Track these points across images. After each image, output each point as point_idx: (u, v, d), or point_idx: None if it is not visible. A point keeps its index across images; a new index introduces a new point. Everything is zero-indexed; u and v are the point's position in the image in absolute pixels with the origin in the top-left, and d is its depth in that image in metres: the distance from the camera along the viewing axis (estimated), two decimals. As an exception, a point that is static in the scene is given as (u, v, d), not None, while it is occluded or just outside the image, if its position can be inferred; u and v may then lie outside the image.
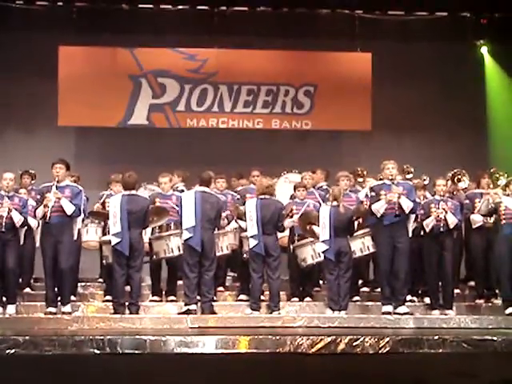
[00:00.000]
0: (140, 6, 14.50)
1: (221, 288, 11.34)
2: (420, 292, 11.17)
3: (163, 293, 10.92)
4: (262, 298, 10.47)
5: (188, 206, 10.15)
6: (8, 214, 10.01)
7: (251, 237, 10.25)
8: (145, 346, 7.77)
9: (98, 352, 7.68)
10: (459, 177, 11.66)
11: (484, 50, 15.54)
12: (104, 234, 10.90)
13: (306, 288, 11.11)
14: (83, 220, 10.70)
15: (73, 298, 10.55)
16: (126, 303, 10.05)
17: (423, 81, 15.09)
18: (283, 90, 15.07)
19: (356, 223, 10.72)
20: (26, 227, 10.33)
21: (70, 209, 10.00)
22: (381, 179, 10.91)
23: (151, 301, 10.78)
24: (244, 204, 10.66)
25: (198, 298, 10.14)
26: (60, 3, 14.32)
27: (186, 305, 10.07)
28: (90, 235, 11.17)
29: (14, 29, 14.22)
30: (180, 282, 10.69)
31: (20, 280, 10.92)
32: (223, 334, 8.24)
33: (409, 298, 10.76)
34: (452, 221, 10.49)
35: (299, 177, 12.05)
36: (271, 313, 10.18)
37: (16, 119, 14.85)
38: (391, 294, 10.30)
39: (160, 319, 9.75)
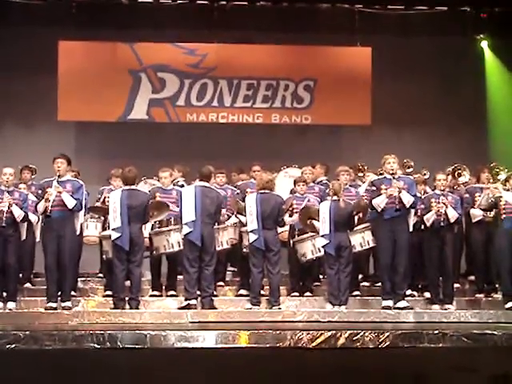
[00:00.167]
0: (140, 0, 14.48)
1: (221, 283, 11.35)
2: (420, 286, 11.18)
3: (163, 288, 10.93)
4: (262, 292, 10.48)
5: (188, 201, 10.15)
6: (8, 208, 10.02)
7: (251, 231, 10.25)
8: (145, 340, 7.76)
9: (98, 347, 7.67)
10: (459, 171, 11.67)
11: (484, 44, 15.52)
12: (104, 228, 10.89)
13: (306, 283, 11.11)
14: (85, 215, 10.71)
15: (73, 293, 10.54)
16: (126, 298, 10.06)
17: (423, 75, 15.08)
18: (283, 84, 15.05)
19: (356, 218, 10.73)
20: (26, 222, 10.34)
21: (71, 203, 10.02)
22: (381, 174, 10.92)
23: (151, 295, 10.78)
24: (244, 199, 10.66)
25: (198, 292, 10.15)
26: (60, -2, 14.31)
27: (186, 299, 10.08)
28: (90, 230, 11.16)
29: (13, 24, 14.20)
30: (180, 277, 10.70)
31: (20, 275, 10.91)
32: (223, 328, 8.24)
33: (409, 292, 10.78)
34: (452, 215, 10.49)
35: (299, 171, 12.04)
36: (271, 307, 10.19)
37: (16, 114, 14.83)
38: (391, 289, 10.31)
39: (160, 314, 9.77)
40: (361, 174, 12.08)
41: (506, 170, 11.21)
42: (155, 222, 10.71)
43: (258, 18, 14.62)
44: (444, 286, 10.61)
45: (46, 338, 7.66)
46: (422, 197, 10.87)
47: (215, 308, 10.10)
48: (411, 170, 11.83)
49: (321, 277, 11.44)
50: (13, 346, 7.57)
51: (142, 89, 14.89)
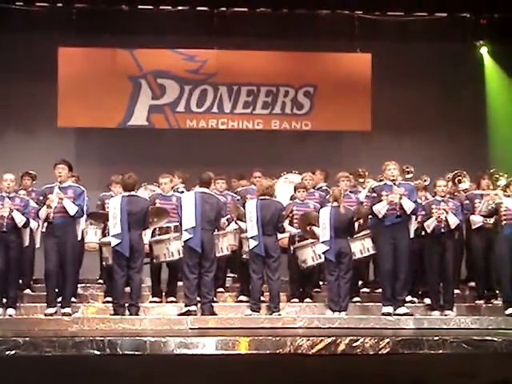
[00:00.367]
0: (139, 6, 14.48)
1: (221, 289, 11.34)
2: (420, 293, 11.17)
3: (163, 294, 10.93)
4: (262, 299, 10.47)
5: (188, 207, 10.15)
6: (9, 214, 10.01)
7: (251, 238, 10.25)
8: (145, 347, 7.76)
9: (97, 353, 7.66)
10: (460, 178, 11.66)
11: (484, 50, 15.53)
12: (104, 235, 10.89)
13: (306, 289, 11.11)
14: (86, 221, 10.72)
15: (73, 299, 10.54)
16: (126, 304, 10.05)
17: (423, 81, 15.09)
18: (283, 90, 15.06)
19: (356, 224, 10.72)
20: (28, 228, 10.34)
21: (72, 209, 10.03)
22: (381, 180, 10.92)
23: (151, 302, 10.78)
24: (244, 205, 10.65)
25: (198, 299, 10.15)
26: (60, 4, 14.29)
27: (186, 306, 10.07)
28: (90, 237, 11.16)
29: (13, 30, 14.21)
30: (180, 283, 10.70)
31: (20, 281, 10.90)
32: (223, 335, 8.23)
33: (409, 298, 10.77)
34: (453, 221, 10.49)
35: (299, 177, 12.05)
36: (271, 314, 10.18)
37: (16, 120, 14.84)
38: (391, 295, 10.30)
39: (160, 320, 9.76)
40: (361, 180, 12.07)
41: (506, 176, 11.21)
42: (155, 229, 10.71)
43: (257, 24, 14.64)
44: (444, 292, 10.60)
45: (45, 345, 7.66)
46: (423, 203, 10.87)
47: (215, 314, 10.09)
48: (411, 175, 11.83)
49: (321, 283, 11.44)
50: (12, 352, 7.56)
51: (142, 95, 14.90)
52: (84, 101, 14.48)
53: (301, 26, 14.69)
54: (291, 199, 11.41)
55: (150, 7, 14.53)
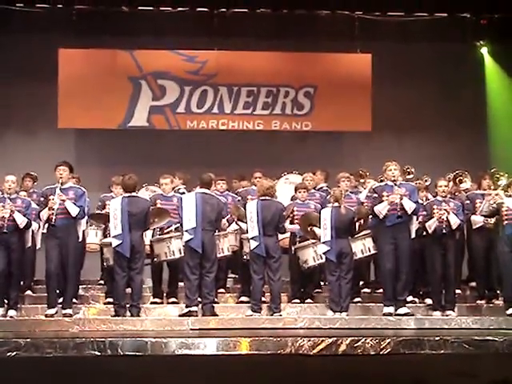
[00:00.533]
0: (140, 7, 14.48)
1: (222, 290, 11.34)
2: (421, 293, 11.16)
3: (164, 295, 10.93)
4: (263, 299, 10.47)
5: (189, 208, 10.16)
6: (10, 215, 10.02)
7: (252, 238, 10.26)
8: (146, 348, 7.76)
9: (99, 354, 7.67)
10: (461, 178, 11.64)
11: (484, 50, 15.54)
12: (105, 236, 10.90)
13: (306, 289, 11.11)
14: (87, 222, 10.73)
15: (74, 300, 10.53)
16: (127, 305, 10.05)
17: (423, 81, 15.10)
18: (283, 91, 15.06)
19: (357, 224, 10.72)
20: (30, 229, 10.34)
21: (74, 211, 10.04)
22: (381, 180, 10.92)
23: (152, 303, 10.78)
24: (245, 206, 10.65)
25: (199, 299, 10.15)
26: (60, 6, 14.28)
27: (186, 307, 10.07)
28: (90, 238, 11.18)
29: (14, 31, 14.22)
30: (181, 284, 10.70)
31: (21, 282, 10.90)
32: (224, 335, 8.23)
33: (410, 298, 10.77)
34: (454, 222, 10.49)
35: (299, 178, 12.05)
36: (272, 314, 10.18)
37: (16, 122, 14.85)
38: (392, 296, 10.30)
39: (161, 321, 9.76)
40: (362, 181, 12.07)
41: (507, 176, 11.21)
42: (156, 229, 10.71)
43: (258, 24, 14.64)
44: (446, 292, 10.60)
45: (46, 346, 7.66)
46: (424, 203, 10.87)
47: (216, 315, 10.10)
48: (412, 176, 11.83)
49: (322, 283, 11.43)
50: (14, 353, 7.57)
51: (142, 96, 14.90)
52: (84, 102, 14.48)
53: (301, 27, 14.69)
54: (292, 199, 11.41)
55: (150, 8, 14.53)
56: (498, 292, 11.16)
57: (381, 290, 10.78)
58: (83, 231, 10.55)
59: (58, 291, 10.15)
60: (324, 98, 14.99)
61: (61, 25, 14.20)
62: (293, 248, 10.97)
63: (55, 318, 9.89)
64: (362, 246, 10.73)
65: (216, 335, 8.32)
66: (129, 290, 10.18)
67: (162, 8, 14.53)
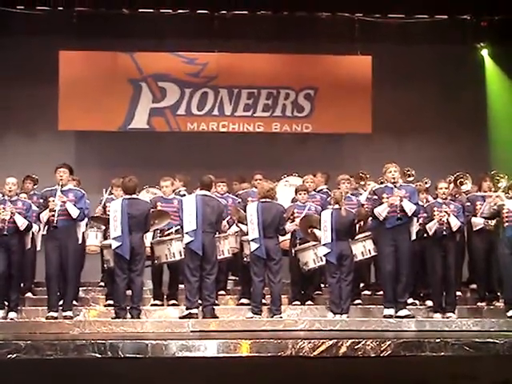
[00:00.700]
0: (140, 10, 14.47)
1: (222, 292, 11.34)
2: (422, 295, 11.15)
3: (165, 297, 10.93)
4: (264, 301, 10.46)
5: (189, 210, 10.15)
6: (11, 217, 10.02)
7: (252, 240, 10.26)
8: (146, 350, 7.77)
9: (99, 356, 7.67)
10: (462, 180, 11.63)
11: (484, 52, 15.53)
12: (105, 238, 10.90)
13: (307, 291, 11.11)
14: (87, 224, 10.73)
15: (74, 302, 10.53)
16: (128, 307, 10.05)
17: (423, 83, 15.10)
18: (283, 93, 15.06)
19: (357, 226, 10.72)
20: (30, 231, 10.34)
21: (75, 212, 10.05)
22: (382, 182, 10.92)
23: (153, 305, 10.78)
24: (246, 208, 10.65)
25: (200, 301, 10.14)
26: (60, 8, 14.26)
27: (187, 309, 10.07)
28: (90, 240, 11.17)
29: (14, 33, 14.22)
30: (181, 286, 10.69)
31: (21, 285, 10.90)
32: (225, 337, 8.24)
33: (410, 300, 10.76)
34: (455, 224, 10.48)
35: (300, 180, 12.05)
36: (272, 316, 10.18)
37: (16, 123, 14.84)
38: (393, 298, 10.30)
39: (161, 323, 9.77)
40: (362, 183, 12.06)
41: (507, 178, 11.21)
42: (156, 231, 10.71)
43: (258, 26, 14.64)
44: (446, 294, 10.58)
45: (47, 348, 7.67)
46: (424, 205, 10.86)
47: (216, 317, 10.09)
48: (412, 178, 11.82)
49: (322, 285, 11.42)
50: (14, 355, 7.58)
51: (143, 98, 14.89)
52: (84, 104, 14.47)
53: (301, 29, 14.69)
54: (292, 201, 11.40)
55: (151, 10, 14.52)
56: (499, 294, 11.15)
57: (381, 292, 10.76)
58: (83, 233, 10.55)
59: (58, 293, 10.15)
60: (324, 100, 14.99)
61: (61, 27, 14.20)
62: (293, 250, 10.98)
63: (55, 320, 9.87)
64: (363, 248, 10.72)
65: (216, 337, 8.33)
66: (129, 292, 10.18)
67: (162, 10, 14.52)
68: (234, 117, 14.99)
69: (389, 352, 7.85)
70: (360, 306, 10.93)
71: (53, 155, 13.12)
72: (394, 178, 10.38)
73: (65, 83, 14.47)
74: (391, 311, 10.25)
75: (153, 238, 10.68)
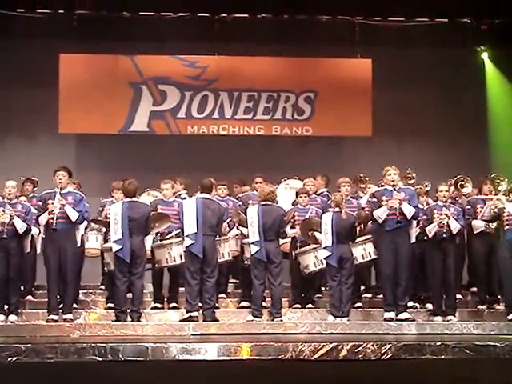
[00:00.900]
0: (141, 13, 14.49)
1: (222, 295, 11.33)
2: (422, 298, 11.15)
3: (165, 300, 10.92)
4: (264, 304, 10.46)
5: (189, 213, 10.15)
6: (10, 220, 10.02)
7: (253, 243, 10.26)
8: (147, 353, 7.75)
9: (99, 359, 7.66)
10: (462, 183, 11.63)
11: (484, 55, 15.55)
12: (106, 241, 10.89)
13: (307, 294, 11.10)
14: (86, 227, 10.73)
15: (75, 305, 10.53)
16: (128, 310, 10.04)
17: (424, 87, 15.11)
18: (284, 96, 15.07)
19: (357, 229, 10.71)
20: (30, 234, 10.33)
21: (74, 215, 10.05)
22: (381, 185, 10.91)
23: (153, 308, 10.78)
24: (246, 211, 10.65)
25: (200, 304, 10.14)
26: (61, 11, 14.30)
27: (187, 312, 10.07)
28: (91, 243, 11.15)
29: (15, 36, 14.24)
30: (182, 289, 10.69)
31: (22, 288, 10.89)
32: (225, 340, 8.23)
33: (411, 304, 10.75)
34: (455, 227, 10.48)
35: (300, 183, 12.04)
36: (273, 319, 10.17)
37: (17, 126, 14.85)
38: (393, 301, 10.29)
39: (162, 326, 9.75)
40: (362, 186, 12.05)
41: (507, 181, 11.22)
42: (157, 235, 10.71)
43: (258, 30, 14.66)
44: (446, 297, 10.58)
45: (47, 351, 7.66)
46: (424, 208, 10.86)
47: (217, 320, 10.08)
48: (413, 181, 11.81)
49: (323, 288, 11.42)
50: (14, 358, 7.56)
51: (143, 101, 14.91)
52: (85, 107, 14.49)
53: (301, 32, 14.71)
54: (293, 204, 11.41)
55: (151, 13, 14.54)
56: (499, 297, 11.15)
57: (382, 295, 10.76)
58: (82, 236, 10.54)
59: (58, 296, 10.15)
60: (324, 102, 15.01)
61: (62, 30, 14.22)
62: (293, 253, 10.98)
63: (56, 323, 9.87)
64: (363, 251, 10.71)
65: (217, 340, 8.32)
66: (129, 295, 10.17)
67: (162, 13, 14.55)
68: (235, 120, 15.00)
69: (389, 355, 7.84)
70: (360, 309, 10.93)
71: (53, 158, 13.14)
72: (393, 181, 10.37)
73: (65, 86, 14.49)
74: (391, 314, 10.25)
75: (153, 242, 10.68)
